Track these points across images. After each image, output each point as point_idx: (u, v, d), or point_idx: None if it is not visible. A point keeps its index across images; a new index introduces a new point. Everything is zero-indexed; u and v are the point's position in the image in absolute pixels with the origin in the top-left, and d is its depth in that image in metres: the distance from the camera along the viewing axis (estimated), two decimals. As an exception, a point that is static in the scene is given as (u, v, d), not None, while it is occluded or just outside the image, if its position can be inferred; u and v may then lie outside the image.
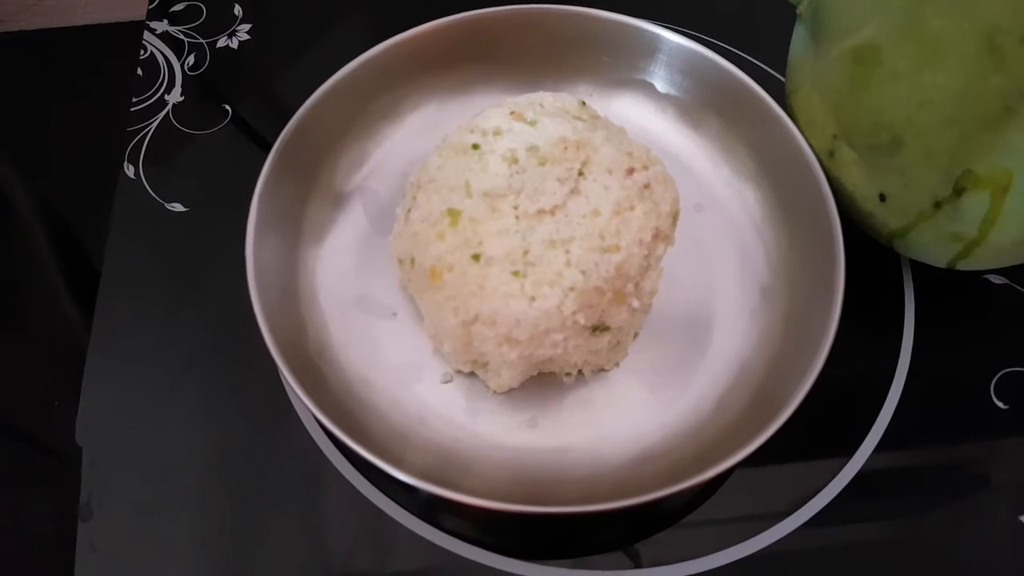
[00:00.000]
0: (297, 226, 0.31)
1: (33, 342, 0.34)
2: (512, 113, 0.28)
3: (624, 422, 0.29)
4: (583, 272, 0.25)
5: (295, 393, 0.26)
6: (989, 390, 0.30)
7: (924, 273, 0.32)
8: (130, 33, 0.39)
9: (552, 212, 0.26)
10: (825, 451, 0.29)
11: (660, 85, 0.34)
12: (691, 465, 0.26)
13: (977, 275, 0.32)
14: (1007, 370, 0.30)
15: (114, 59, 0.39)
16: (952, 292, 0.32)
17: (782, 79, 0.33)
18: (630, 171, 0.27)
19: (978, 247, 0.27)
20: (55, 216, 0.38)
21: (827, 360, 0.26)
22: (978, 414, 0.29)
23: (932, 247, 0.29)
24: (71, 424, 0.29)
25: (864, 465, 0.28)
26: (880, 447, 0.29)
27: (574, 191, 0.27)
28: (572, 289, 0.25)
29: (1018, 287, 0.32)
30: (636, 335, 0.30)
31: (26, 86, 0.40)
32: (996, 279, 0.32)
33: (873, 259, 0.32)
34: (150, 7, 0.38)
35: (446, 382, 0.29)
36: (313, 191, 0.31)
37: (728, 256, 0.32)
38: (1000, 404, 0.30)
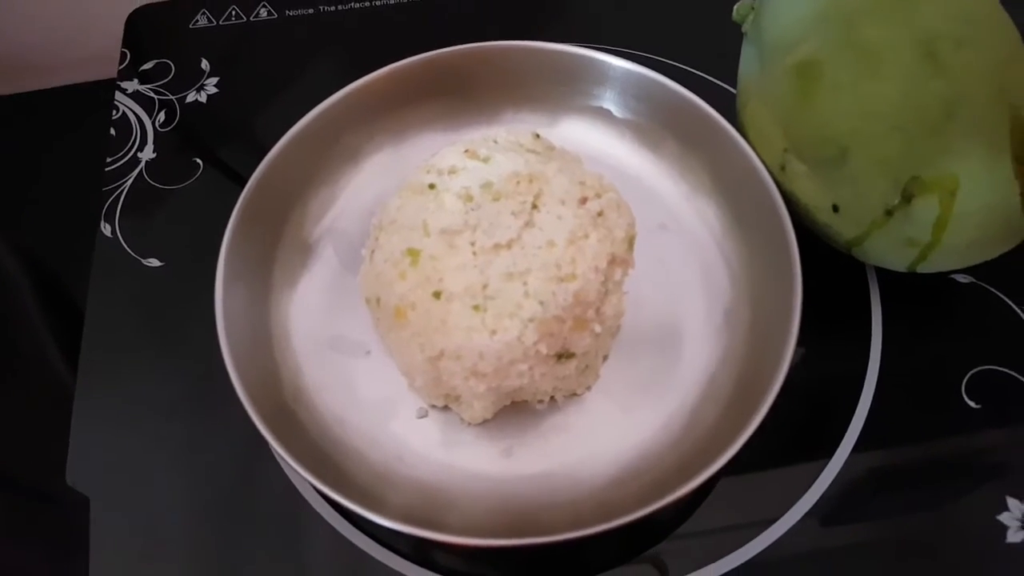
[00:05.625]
0: (268, 273, 0.31)
1: (24, 393, 0.35)
2: (466, 151, 0.29)
3: (600, 444, 0.29)
4: (541, 302, 0.26)
5: (271, 439, 0.27)
6: (961, 390, 0.30)
7: (889, 277, 0.32)
8: (106, 91, 0.40)
9: (508, 246, 0.27)
10: (803, 456, 0.29)
11: (616, 110, 0.34)
12: (672, 479, 0.26)
13: (943, 275, 0.32)
14: (977, 369, 0.30)
15: (92, 117, 0.41)
16: (918, 294, 0.32)
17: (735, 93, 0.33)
18: (583, 200, 0.28)
19: (934, 251, 0.28)
20: (41, 272, 0.39)
21: (798, 367, 0.27)
22: (951, 415, 0.30)
23: (889, 254, 0.29)
24: (60, 473, 0.29)
25: (841, 469, 0.29)
26: (856, 451, 0.29)
27: (528, 224, 0.27)
28: (531, 320, 0.26)
29: (985, 285, 0.32)
30: (606, 358, 0.30)
31: (9, 149, 0.42)
32: (962, 278, 0.32)
33: (837, 265, 0.32)
34: (120, 67, 0.40)
35: (421, 417, 0.30)
36: (283, 238, 0.32)
37: (692, 273, 0.32)
38: (972, 403, 0.30)
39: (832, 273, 0.32)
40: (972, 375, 0.30)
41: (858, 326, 0.31)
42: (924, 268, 0.29)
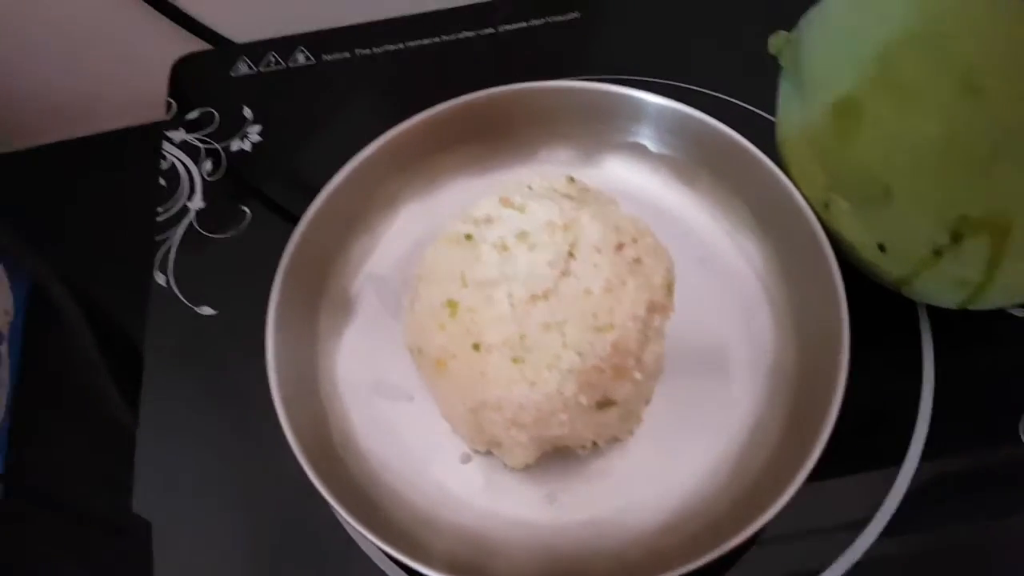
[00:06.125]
0: (314, 322, 0.32)
1: (87, 433, 0.37)
2: (501, 199, 0.29)
3: (646, 489, 0.29)
4: (579, 353, 0.26)
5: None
6: (1017, 430, 0.29)
7: (940, 310, 0.31)
8: (153, 134, 0.41)
9: (545, 296, 0.27)
10: (853, 498, 0.28)
11: (652, 145, 0.34)
12: (724, 526, 0.26)
13: (997, 310, 0.31)
14: (1035, 407, 0.29)
15: (141, 160, 0.42)
16: (971, 327, 0.31)
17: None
18: (619, 247, 0.28)
19: (986, 290, 0.27)
20: (100, 318, 0.40)
21: (846, 403, 0.26)
22: (1006, 457, 0.28)
23: (939, 293, 0.28)
24: (124, 507, 0.31)
25: (895, 512, 0.28)
26: (909, 492, 0.28)
27: (564, 272, 0.27)
28: (570, 371, 0.26)
29: (1043, 317, 0.31)
30: (648, 401, 0.30)
31: (61, 195, 0.43)
32: (1018, 312, 0.31)
33: (885, 298, 0.31)
34: (167, 117, 0.41)
35: (465, 462, 0.30)
36: (327, 287, 0.33)
37: (735, 311, 0.32)
38: (1030, 444, 0.29)
39: (880, 306, 0.31)
40: (1030, 413, 0.29)
41: (909, 363, 0.31)
42: (975, 306, 0.28)
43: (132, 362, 0.35)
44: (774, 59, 0.32)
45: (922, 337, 0.31)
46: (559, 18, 0.41)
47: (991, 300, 0.28)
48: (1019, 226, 0.25)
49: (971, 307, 0.28)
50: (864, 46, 0.27)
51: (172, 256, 0.37)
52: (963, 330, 0.31)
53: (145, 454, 0.32)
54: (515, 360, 0.26)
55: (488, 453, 0.30)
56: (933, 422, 0.29)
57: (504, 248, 0.28)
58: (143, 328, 0.35)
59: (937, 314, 0.31)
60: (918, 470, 0.29)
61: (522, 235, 0.28)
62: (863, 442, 0.29)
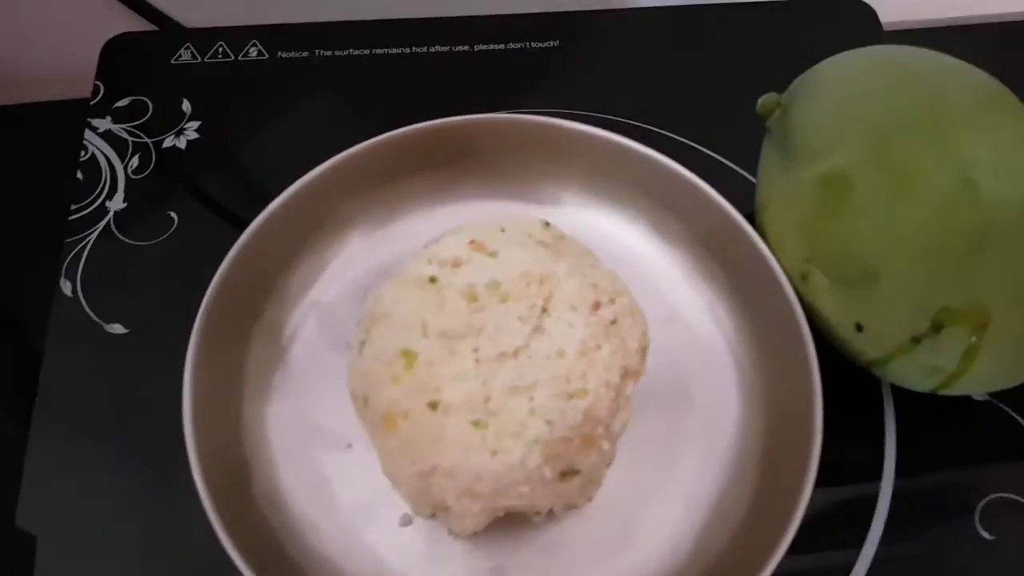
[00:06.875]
0: (243, 355, 0.29)
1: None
2: (472, 242, 0.27)
3: (602, 565, 0.27)
4: (548, 422, 0.24)
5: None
6: (974, 519, 0.29)
7: (905, 390, 0.31)
8: (77, 112, 0.36)
9: (514, 354, 0.24)
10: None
11: (631, 194, 0.32)
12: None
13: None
14: (993, 496, 0.29)
15: (61, 140, 0.37)
16: (934, 409, 0.31)
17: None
18: (596, 305, 0.26)
19: (959, 379, 0.26)
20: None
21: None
22: (964, 546, 0.28)
23: (911, 377, 0.27)
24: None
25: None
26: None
27: (537, 329, 0.25)
28: (536, 441, 0.24)
29: (1001, 405, 0.31)
30: (610, 464, 0.28)
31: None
32: (978, 396, 0.31)
33: (850, 373, 0.30)
34: (93, 102, 0.36)
35: (405, 525, 0.27)
36: (261, 315, 0.30)
37: (700, 374, 0.30)
38: (986, 535, 0.28)
39: (844, 379, 0.30)
40: (987, 503, 0.29)
41: (871, 439, 0.30)
42: (947, 392, 0.28)
43: (30, 377, 0.30)
44: (761, 119, 0.30)
45: (885, 415, 0.30)
46: (538, 44, 0.39)
47: (962, 388, 0.27)
48: (998, 321, 0.25)
49: (941, 393, 0.28)
50: (859, 121, 0.26)
51: (83, 262, 0.32)
52: (926, 410, 0.30)
53: (32, 485, 0.28)
54: (476, 424, 0.24)
55: (431, 516, 0.27)
56: (894, 501, 0.29)
57: (473, 297, 0.25)
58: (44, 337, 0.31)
59: (901, 393, 0.31)
60: (878, 550, 0.28)
61: (493, 285, 0.25)
62: (823, 520, 0.28)
